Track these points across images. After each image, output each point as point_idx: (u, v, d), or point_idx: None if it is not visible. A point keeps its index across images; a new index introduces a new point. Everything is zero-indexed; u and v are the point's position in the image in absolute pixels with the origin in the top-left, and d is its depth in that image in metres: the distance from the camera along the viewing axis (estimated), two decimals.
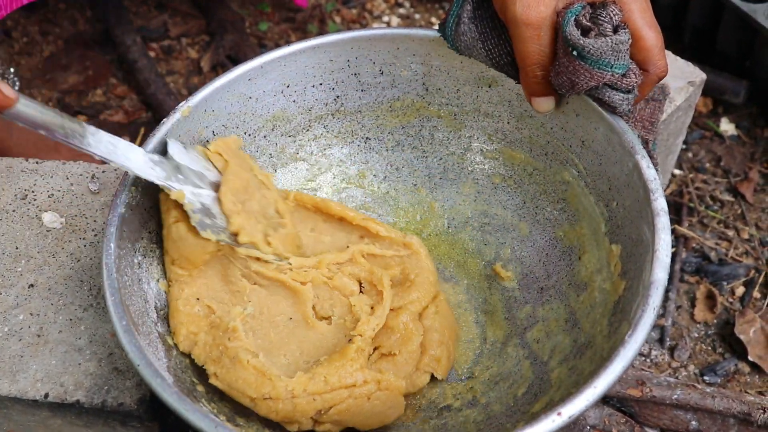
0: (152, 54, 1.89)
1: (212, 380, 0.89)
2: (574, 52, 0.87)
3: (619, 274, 0.92)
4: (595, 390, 0.74)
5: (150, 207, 0.95)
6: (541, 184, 1.07)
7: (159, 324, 0.90)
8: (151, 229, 0.95)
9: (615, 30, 0.86)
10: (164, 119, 0.97)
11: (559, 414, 0.73)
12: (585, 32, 0.87)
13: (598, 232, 0.98)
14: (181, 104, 0.99)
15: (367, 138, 1.14)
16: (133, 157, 0.89)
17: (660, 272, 0.81)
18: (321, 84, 1.09)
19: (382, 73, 1.09)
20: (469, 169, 1.13)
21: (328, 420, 0.89)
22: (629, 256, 0.91)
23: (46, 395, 0.94)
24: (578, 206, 1.02)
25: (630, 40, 0.87)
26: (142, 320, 0.86)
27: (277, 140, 1.10)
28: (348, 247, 1.04)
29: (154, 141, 0.95)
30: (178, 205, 0.92)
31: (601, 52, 0.85)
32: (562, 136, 1.02)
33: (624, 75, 0.89)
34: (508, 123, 1.07)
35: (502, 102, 1.06)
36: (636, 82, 0.90)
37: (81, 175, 1.14)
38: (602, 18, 0.86)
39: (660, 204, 0.86)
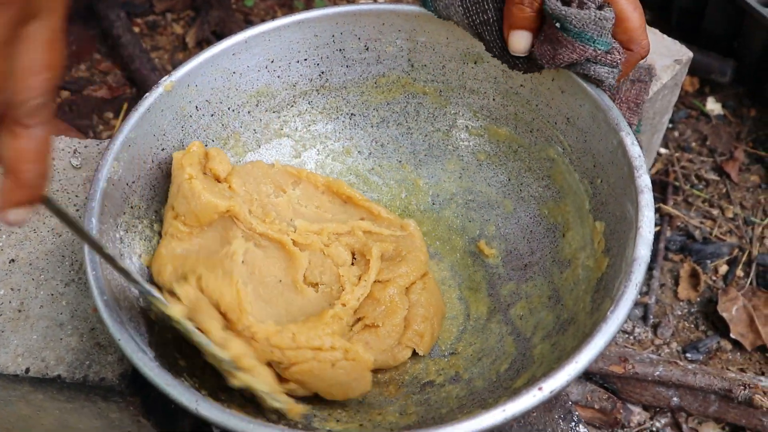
0: (137, 29, 1.88)
1: (190, 282, 0.88)
2: (558, 24, 0.87)
3: (602, 251, 0.92)
4: (576, 365, 0.74)
5: (132, 182, 0.94)
6: (526, 161, 1.07)
7: (141, 299, 0.89)
8: (133, 204, 0.94)
9: (600, 8, 0.86)
10: (147, 93, 0.96)
11: (540, 389, 0.73)
12: (567, 3, 0.87)
13: (582, 209, 0.98)
14: (164, 78, 0.98)
15: (351, 114, 1.13)
16: None
17: (643, 249, 0.81)
18: (306, 59, 1.08)
19: (367, 49, 1.08)
20: (454, 146, 1.13)
21: (290, 378, 0.89)
22: (613, 233, 0.91)
23: (27, 370, 0.93)
24: (563, 183, 1.02)
25: (614, 19, 0.87)
26: (123, 295, 0.86)
27: (261, 116, 1.09)
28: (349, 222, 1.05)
29: (136, 115, 0.94)
30: (194, 163, 0.92)
31: (583, 24, 0.85)
32: (547, 113, 1.01)
33: (608, 52, 0.89)
34: (493, 100, 1.07)
35: (487, 78, 1.06)
36: (619, 59, 0.90)
37: (63, 150, 1.13)
38: None
39: (644, 181, 0.86)
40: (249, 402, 0.91)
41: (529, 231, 1.07)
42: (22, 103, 0.60)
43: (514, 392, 0.82)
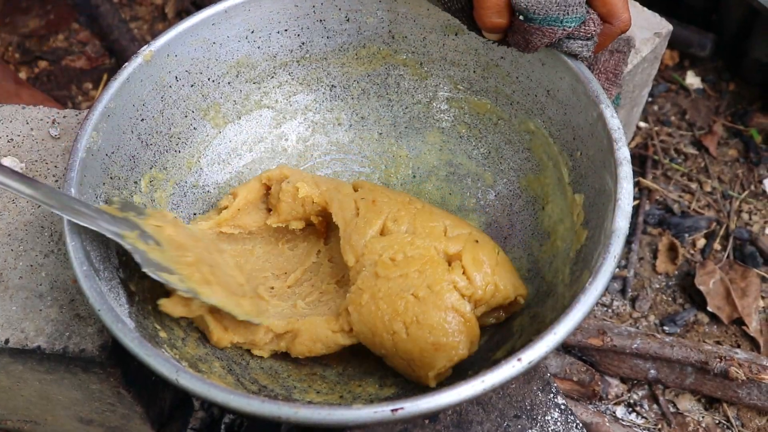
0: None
1: None
2: (521, 16, 0.87)
3: (581, 223, 0.93)
4: (555, 336, 0.74)
5: (111, 152, 0.94)
6: (506, 134, 1.07)
7: (121, 270, 0.89)
8: (113, 174, 0.94)
9: None
10: (126, 63, 0.96)
11: (519, 359, 0.73)
12: None
13: (562, 181, 0.98)
14: (143, 48, 0.97)
15: (332, 86, 1.13)
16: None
17: (621, 221, 0.81)
18: (286, 30, 1.07)
19: (347, 20, 1.08)
20: (435, 118, 1.13)
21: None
22: (592, 206, 0.91)
23: (7, 341, 0.93)
24: (542, 156, 1.02)
25: None
26: (103, 265, 0.85)
27: (241, 87, 1.09)
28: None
29: (115, 85, 0.94)
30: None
31: (546, 10, 0.86)
32: (528, 86, 1.01)
33: (582, 24, 0.89)
34: (474, 72, 1.07)
35: (468, 50, 1.06)
36: (595, 30, 0.90)
37: (41, 120, 1.12)
38: None
39: (623, 153, 0.86)
40: (229, 372, 0.91)
41: (509, 204, 1.07)
42: None
43: (493, 364, 0.83)
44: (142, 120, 0.98)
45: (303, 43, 1.09)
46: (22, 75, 1.72)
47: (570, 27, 0.88)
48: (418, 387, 0.93)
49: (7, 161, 1.07)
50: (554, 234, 0.99)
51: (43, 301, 0.96)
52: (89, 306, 0.80)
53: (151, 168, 1.00)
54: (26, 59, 1.75)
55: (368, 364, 0.98)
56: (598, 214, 0.88)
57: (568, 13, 0.86)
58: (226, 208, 1.04)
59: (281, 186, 1.03)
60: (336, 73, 1.13)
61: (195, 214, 1.06)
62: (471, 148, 1.11)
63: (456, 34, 1.05)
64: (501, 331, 0.98)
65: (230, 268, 1.00)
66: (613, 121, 0.89)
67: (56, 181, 1.06)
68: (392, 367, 0.94)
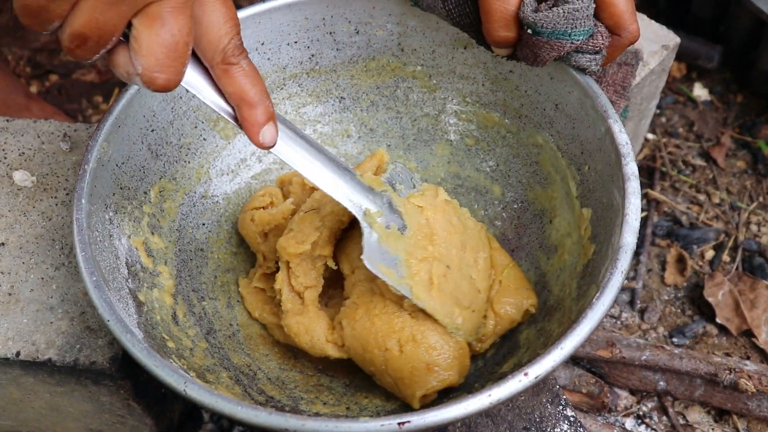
0: None
1: None
2: (529, 30, 0.87)
3: (589, 237, 0.93)
4: (561, 351, 0.75)
5: (122, 163, 0.94)
6: (514, 146, 1.07)
7: (130, 280, 0.89)
8: (123, 185, 0.94)
9: None
10: None
11: (526, 374, 0.74)
12: (543, 0, 0.87)
13: (570, 195, 0.99)
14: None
15: (341, 98, 1.14)
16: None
17: (629, 236, 0.82)
18: (296, 42, 1.08)
19: (357, 33, 1.08)
20: (443, 130, 1.13)
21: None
22: (599, 220, 0.91)
23: (18, 353, 0.93)
24: (550, 170, 1.03)
25: (591, 6, 0.87)
26: (112, 276, 0.86)
27: None
28: None
29: (126, 95, 0.94)
30: None
31: (554, 24, 0.86)
32: (536, 99, 1.02)
33: (590, 37, 0.89)
34: (483, 85, 1.07)
35: (477, 64, 1.06)
36: (603, 44, 0.90)
37: (52, 133, 1.13)
38: None
39: (631, 168, 0.86)
40: (237, 383, 0.91)
41: (517, 216, 1.07)
42: (226, 46, 0.76)
43: (500, 377, 0.83)
44: (152, 131, 0.99)
45: (313, 55, 1.10)
46: (33, 89, 1.73)
47: (578, 40, 0.88)
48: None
49: (19, 174, 1.08)
50: (561, 248, 0.99)
51: (53, 314, 0.97)
52: (99, 316, 0.80)
53: (160, 178, 1.01)
54: (37, 73, 1.76)
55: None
56: (605, 229, 0.89)
57: (576, 26, 0.87)
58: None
59: (291, 179, 1.06)
60: (345, 85, 1.13)
61: (203, 224, 1.06)
62: (479, 161, 1.11)
63: (465, 48, 1.06)
64: (507, 344, 0.98)
65: (480, 271, 0.98)
66: (621, 136, 0.89)
67: (67, 194, 1.06)
68: (380, 385, 0.94)
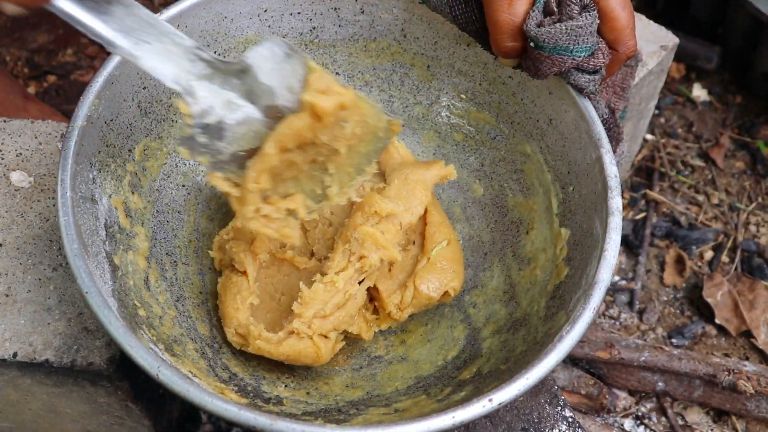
0: None
1: None
2: (532, 43, 0.88)
3: (563, 258, 0.94)
4: (527, 381, 0.76)
5: (111, 120, 0.93)
6: (502, 150, 1.08)
7: (107, 242, 0.89)
8: (109, 142, 0.94)
9: (584, 9, 0.87)
10: None
11: (490, 400, 0.75)
12: (550, 14, 0.88)
13: (550, 211, 0.99)
14: (156, 15, 0.97)
15: (336, 73, 1.13)
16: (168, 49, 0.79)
17: (605, 273, 0.82)
18: (299, 13, 1.07)
19: (362, 12, 1.08)
20: (433, 122, 1.13)
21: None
22: (576, 244, 0.92)
23: (15, 354, 0.93)
24: (534, 181, 1.03)
25: (595, 23, 0.87)
26: (91, 240, 0.85)
27: None
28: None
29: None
30: None
31: (556, 39, 0.86)
32: (531, 110, 1.02)
33: (591, 55, 0.89)
34: (480, 84, 1.07)
35: (477, 63, 1.06)
36: (603, 62, 0.90)
37: (50, 134, 1.13)
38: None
39: (615, 203, 0.87)
40: (202, 356, 0.91)
41: (494, 220, 1.08)
42: None
43: (459, 384, 0.86)
44: (144, 88, 0.98)
45: (314, 28, 1.09)
46: (31, 90, 1.73)
47: (580, 57, 0.88)
48: (383, 394, 0.96)
49: (16, 175, 1.08)
50: (534, 262, 1.00)
51: (51, 315, 0.96)
52: (78, 286, 0.79)
53: (146, 136, 1.00)
54: (35, 74, 1.75)
55: (336, 361, 1.01)
56: (581, 255, 0.90)
57: (578, 42, 0.87)
58: None
59: None
60: (342, 62, 1.13)
61: (183, 186, 1.06)
62: (465, 157, 1.11)
63: (468, 45, 1.06)
64: (469, 350, 0.98)
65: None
66: (611, 168, 0.89)
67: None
68: None
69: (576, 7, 0.86)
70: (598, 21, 0.88)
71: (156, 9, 1.89)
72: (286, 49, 0.80)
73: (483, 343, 0.98)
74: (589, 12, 0.86)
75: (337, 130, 0.82)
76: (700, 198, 1.59)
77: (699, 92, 1.75)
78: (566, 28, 0.86)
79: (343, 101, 0.80)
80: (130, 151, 0.97)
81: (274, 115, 0.81)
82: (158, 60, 0.78)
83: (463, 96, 1.10)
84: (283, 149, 0.81)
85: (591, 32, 0.87)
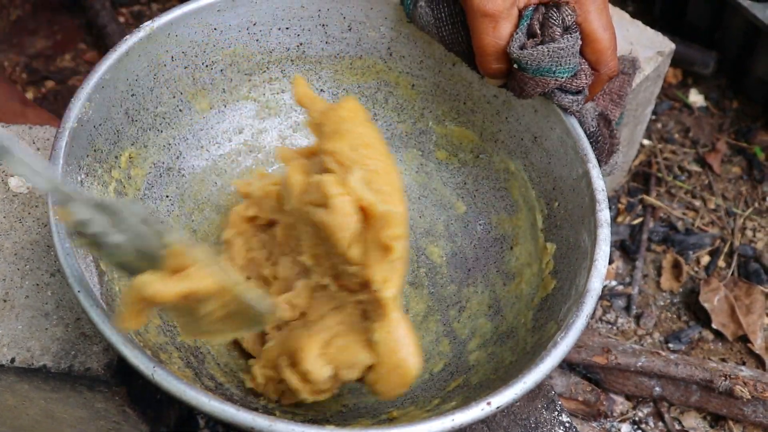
0: (122, 19, 1.87)
1: None
2: (515, 65, 0.89)
3: (550, 272, 0.94)
4: (524, 385, 0.77)
5: (99, 125, 0.94)
6: (485, 168, 1.08)
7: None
8: (97, 147, 0.94)
9: (566, 30, 0.88)
10: (127, 36, 0.96)
11: (488, 403, 0.76)
12: (533, 36, 0.89)
13: (535, 227, 1.00)
14: (146, 23, 0.98)
15: (321, 90, 1.13)
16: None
17: (596, 282, 0.83)
18: (288, 28, 1.08)
19: (350, 30, 1.08)
20: (417, 140, 1.13)
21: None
22: (563, 258, 0.93)
23: (13, 360, 0.94)
24: (518, 198, 1.03)
25: (577, 44, 0.88)
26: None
27: (232, 76, 1.09)
28: None
29: (114, 56, 0.94)
30: None
31: (538, 62, 0.87)
32: (516, 128, 1.02)
33: (574, 76, 0.90)
34: (464, 103, 1.08)
35: (462, 82, 1.06)
36: (586, 83, 0.91)
37: (48, 140, 1.13)
38: (552, 20, 0.88)
39: (604, 216, 0.88)
40: (187, 366, 0.91)
41: (477, 237, 1.08)
42: None
43: (447, 394, 0.87)
44: (132, 95, 0.99)
45: (301, 44, 1.10)
46: (30, 95, 1.73)
47: (562, 78, 0.89)
48: (369, 406, 0.96)
49: (14, 181, 1.08)
50: (520, 276, 1.00)
51: (48, 320, 0.97)
52: (69, 285, 0.78)
53: (132, 144, 1.00)
54: (33, 79, 1.76)
55: None
56: (569, 268, 0.90)
57: (560, 64, 0.88)
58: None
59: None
60: (327, 78, 1.13)
61: (167, 196, 1.06)
62: (448, 175, 1.12)
63: (454, 65, 1.06)
64: (456, 362, 0.99)
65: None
66: (599, 182, 0.90)
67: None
68: None
69: (558, 29, 0.87)
70: (580, 42, 0.89)
71: (153, 15, 1.89)
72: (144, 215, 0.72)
73: (470, 355, 0.98)
74: (570, 34, 0.88)
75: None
76: (697, 203, 1.59)
77: (696, 98, 1.75)
78: (548, 50, 0.87)
79: (193, 290, 0.73)
80: (116, 157, 0.98)
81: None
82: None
83: (447, 115, 1.10)
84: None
85: (573, 54, 0.88)
